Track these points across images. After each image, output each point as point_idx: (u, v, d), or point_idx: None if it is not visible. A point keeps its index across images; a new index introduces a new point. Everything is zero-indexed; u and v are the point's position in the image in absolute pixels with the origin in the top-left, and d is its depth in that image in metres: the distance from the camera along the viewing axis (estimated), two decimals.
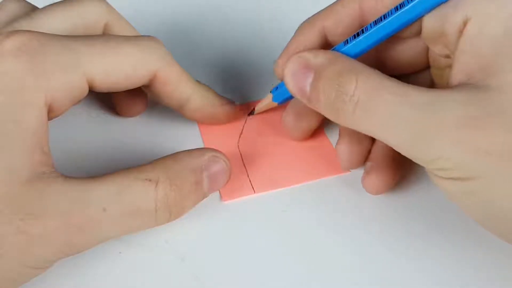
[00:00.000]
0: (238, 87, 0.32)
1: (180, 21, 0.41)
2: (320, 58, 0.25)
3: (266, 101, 0.31)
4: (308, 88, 0.25)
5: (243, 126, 0.32)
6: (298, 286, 0.25)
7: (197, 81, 0.30)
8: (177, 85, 0.29)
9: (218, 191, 0.29)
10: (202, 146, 0.31)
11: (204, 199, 0.26)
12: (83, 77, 0.25)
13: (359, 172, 0.29)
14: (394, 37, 0.26)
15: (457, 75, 0.24)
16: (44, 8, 0.29)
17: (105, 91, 0.27)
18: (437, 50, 0.26)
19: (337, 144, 0.29)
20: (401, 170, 0.29)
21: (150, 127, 0.33)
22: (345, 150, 0.29)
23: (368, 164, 0.29)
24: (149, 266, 0.26)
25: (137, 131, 0.33)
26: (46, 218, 0.22)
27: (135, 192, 0.24)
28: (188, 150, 0.26)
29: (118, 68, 0.26)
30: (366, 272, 0.26)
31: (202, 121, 0.32)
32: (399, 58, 0.28)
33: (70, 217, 0.23)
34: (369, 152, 0.29)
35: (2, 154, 0.22)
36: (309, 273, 0.26)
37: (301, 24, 0.29)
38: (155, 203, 0.24)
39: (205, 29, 0.40)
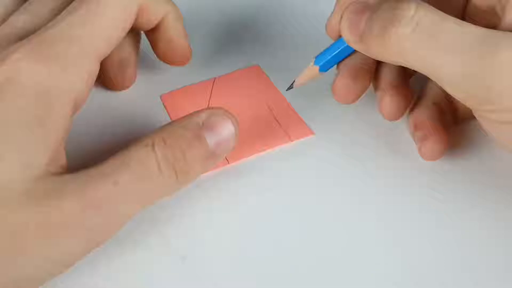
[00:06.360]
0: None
1: None
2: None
3: (309, 72, 0.30)
4: (363, 24, 0.25)
5: (210, 96, 0.33)
6: None
7: None
8: (155, 6, 0.30)
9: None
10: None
11: (205, 200, 0.26)
12: (96, 60, 0.26)
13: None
14: None
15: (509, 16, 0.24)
16: None
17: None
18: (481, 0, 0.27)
19: (380, 98, 0.29)
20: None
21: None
22: (390, 102, 0.29)
23: (419, 134, 0.29)
24: (149, 266, 0.26)
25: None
26: (62, 205, 0.23)
27: (138, 158, 0.24)
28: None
29: (113, 29, 0.27)
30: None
31: (168, 49, 0.32)
32: None
33: (85, 196, 0.23)
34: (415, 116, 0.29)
35: (23, 152, 0.23)
36: (311, 274, 0.26)
37: None
38: (157, 164, 0.24)
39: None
